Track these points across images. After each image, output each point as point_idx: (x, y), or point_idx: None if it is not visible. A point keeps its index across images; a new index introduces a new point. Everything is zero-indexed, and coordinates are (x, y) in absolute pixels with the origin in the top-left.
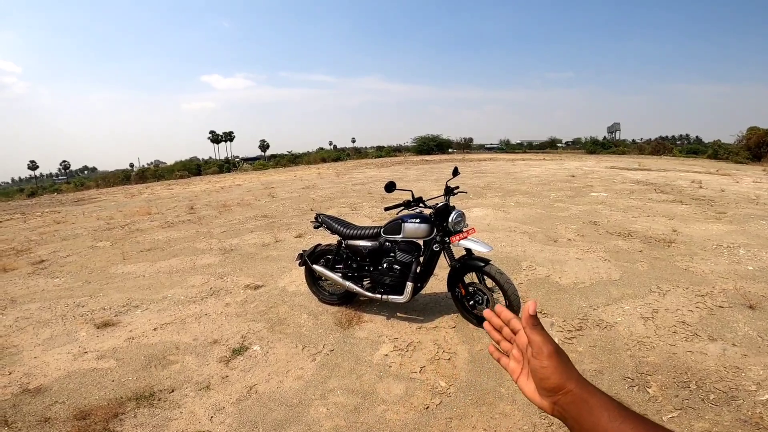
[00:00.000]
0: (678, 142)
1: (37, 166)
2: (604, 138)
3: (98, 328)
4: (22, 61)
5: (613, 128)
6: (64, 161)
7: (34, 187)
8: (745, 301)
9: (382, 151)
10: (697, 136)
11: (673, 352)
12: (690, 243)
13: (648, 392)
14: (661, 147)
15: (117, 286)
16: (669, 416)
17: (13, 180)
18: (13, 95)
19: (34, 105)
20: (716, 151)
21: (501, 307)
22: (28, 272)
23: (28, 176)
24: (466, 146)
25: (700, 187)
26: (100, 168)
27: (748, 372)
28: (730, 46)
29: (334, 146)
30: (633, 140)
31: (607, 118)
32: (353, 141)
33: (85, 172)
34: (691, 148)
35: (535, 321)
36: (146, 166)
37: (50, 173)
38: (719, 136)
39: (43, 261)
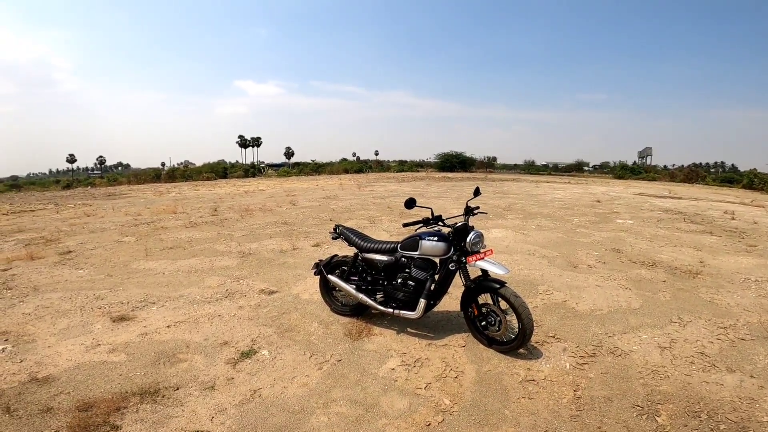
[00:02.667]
0: (712, 170)
1: (75, 160)
2: (634, 163)
3: (114, 321)
4: (73, 59)
5: (645, 153)
6: (101, 156)
7: (70, 179)
8: None
9: (404, 166)
10: (732, 164)
11: (687, 382)
12: (717, 275)
13: (656, 421)
14: (694, 174)
15: (137, 281)
16: None
17: (50, 171)
18: (62, 91)
19: (78, 101)
20: (752, 181)
21: None
22: (54, 262)
23: (65, 168)
24: (490, 165)
25: (733, 218)
26: (133, 165)
27: (763, 403)
28: None
29: (358, 158)
30: (665, 166)
31: (638, 142)
32: (376, 154)
33: (119, 168)
34: (726, 176)
35: None
36: (176, 165)
37: (86, 167)
38: (757, 164)
39: (70, 252)
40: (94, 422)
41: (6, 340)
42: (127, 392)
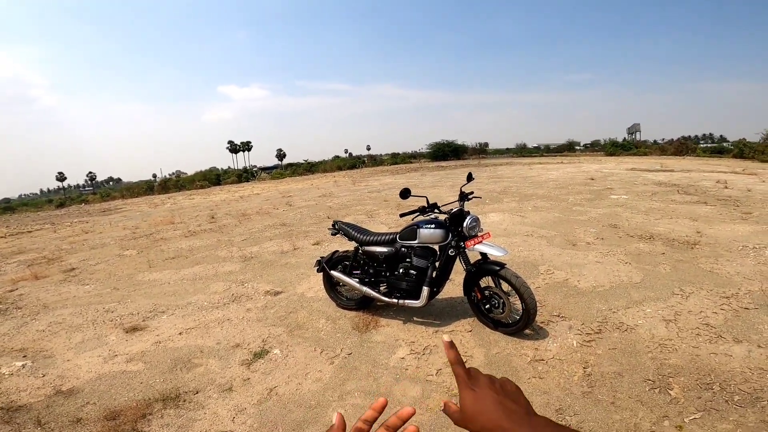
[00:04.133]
0: (701, 142)
1: (65, 178)
2: (624, 139)
3: (127, 332)
4: (49, 74)
5: (633, 129)
6: (91, 172)
7: (63, 198)
8: None
9: (397, 158)
10: (721, 135)
11: (696, 354)
12: (715, 244)
13: (670, 394)
14: (684, 147)
15: (144, 292)
16: (691, 417)
17: (41, 191)
18: (41, 108)
19: (61, 117)
20: (742, 150)
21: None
22: (59, 279)
23: (56, 187)
24: (482, 151)
25: (726, 188)
26: (125, 179)
27: None
28: (754, 43)
29: (350, 154)
30: (654, 141)
31: (626, 118)
32: (368, 148)
33: (111, 182)
34: (716, 147)
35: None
36: (168, 176)
37: (77, 184)
38: (745, 135)
39: (73, 269)
40: (123, 430)
41: (25, 356)
42: (150, 399)
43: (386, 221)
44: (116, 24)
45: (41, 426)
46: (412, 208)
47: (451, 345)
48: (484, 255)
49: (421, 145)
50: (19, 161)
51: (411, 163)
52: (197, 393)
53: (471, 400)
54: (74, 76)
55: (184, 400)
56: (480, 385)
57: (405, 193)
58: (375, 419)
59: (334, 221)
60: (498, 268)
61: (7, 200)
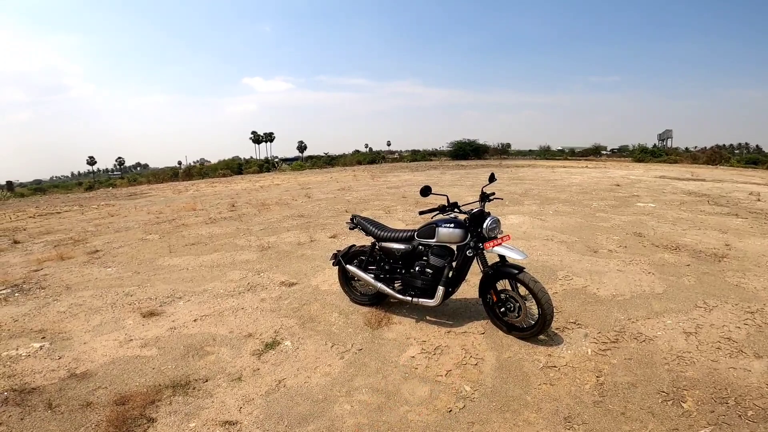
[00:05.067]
0: (736, 151)
1: (95, 162)
2: (654, 145)
3: (144, 317)
4: (83, 64)
5: (665, 135)
6: (119, 158)
7: (92, 181)
8: None
9: (417, 155)
10: (757, 145)
11: (714, 368)
12: (743, 258)
13: (682, 407)
14: (718, 156)
15: (163, 277)
16: (701, 431)
17: (72, 174)
18: (74, 96)
19: (91, 106)
20: None
21: None
22: (83, 261)
23: (86, 171)
24: (503, 152)
25: (759, 200)
26: (151, 165)
27: None
28: None
29: (370, 149)
30: (686, 148)
31: (657, 124)
32: (388, 144)
33: (138, 168)
34: (751, 157)
35: None
36: (192, 164)
37: (106, 168)
38: None
39: (97, 251)
40: (132, 415)
41: (43, 338)
42: (160, 385)
43: (404, 218)
44: (147, 15)
45: (51, 409)
46: (432, 207)
47: None
48: (502, 257)
49: (440, 143)
50: (51, 145)
51: (431, 160)
52: (207, 381)
53: None
54: (107, 66)
55: (194, 388)
56: None
57: (425, 191)
58: None
59: (352, 215)
60: (516, 271)
61: (38, 181)
